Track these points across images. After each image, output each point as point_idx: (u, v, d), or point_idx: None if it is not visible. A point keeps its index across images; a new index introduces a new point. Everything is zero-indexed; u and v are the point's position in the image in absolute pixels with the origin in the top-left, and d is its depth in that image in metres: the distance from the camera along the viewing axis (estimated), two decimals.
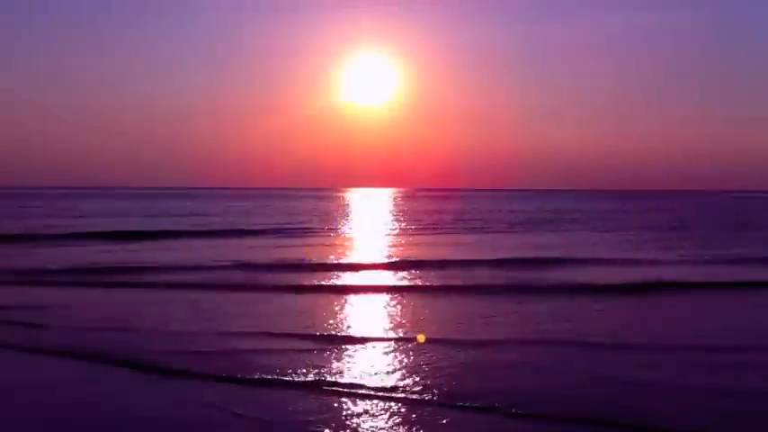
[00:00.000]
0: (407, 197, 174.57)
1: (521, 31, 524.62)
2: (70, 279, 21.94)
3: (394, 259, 28.32)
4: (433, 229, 50.10)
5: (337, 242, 37.88)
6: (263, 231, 45.11)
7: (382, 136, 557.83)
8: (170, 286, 20.49)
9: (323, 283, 21.49)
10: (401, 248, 33.67)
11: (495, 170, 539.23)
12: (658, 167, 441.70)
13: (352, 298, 18.97)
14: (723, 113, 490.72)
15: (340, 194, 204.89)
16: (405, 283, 21.69)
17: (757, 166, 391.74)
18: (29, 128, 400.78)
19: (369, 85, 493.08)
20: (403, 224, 55.83)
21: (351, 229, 49.67)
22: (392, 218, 66.83)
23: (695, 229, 49.68)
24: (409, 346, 12.93)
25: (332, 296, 19.07)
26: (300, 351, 12.37)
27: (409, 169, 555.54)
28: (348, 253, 31.86)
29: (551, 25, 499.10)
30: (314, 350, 12.48)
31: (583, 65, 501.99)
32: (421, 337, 14.43)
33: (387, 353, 12.41)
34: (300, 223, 54.95)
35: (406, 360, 11.84)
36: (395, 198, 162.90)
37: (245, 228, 48.15)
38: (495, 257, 28.23)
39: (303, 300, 18.56)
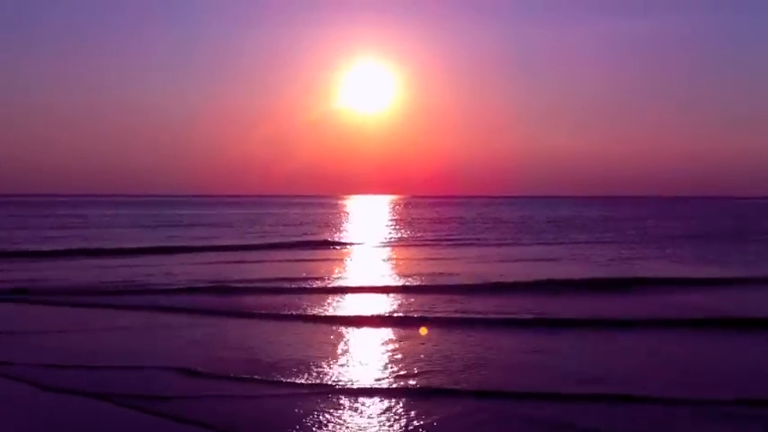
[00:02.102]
0: (411, 205, 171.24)
1: (519, 37, 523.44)
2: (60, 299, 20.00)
3: (452, 281, 24.21)
4: (466, 240, 46.58)
5: (368, 258, 34.44)
6: (284, 245, 41.81)
7: (380, 142, 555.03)
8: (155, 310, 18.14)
9: (357, 311, 17.69)
10: (447, 264, 29.90)
11: (491, 177, 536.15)
12: (655, 173, 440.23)
13: (381, 332, 15.21)
14: (717, 118, 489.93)
15: (341, 202, 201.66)
16: (455, 311, 17.80)
17: (752, 171, 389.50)
18: (23, 132, 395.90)
19: (367, 91, 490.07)
20: (430, 234, 52.14)
21: (377, 242, 46.18)
22: (414, 228, 63.31)
23: (748, 238, 46.55)
24: (429, 400, 10.07)
25: (354, 327, 15.90)
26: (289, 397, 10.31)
27: (407, 176, 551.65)
28: (386, 271, 28.22)
29: (548, 31, 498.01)
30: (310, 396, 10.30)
31: (581, 70, 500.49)
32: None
33: (396, 405, 9.84)
34: (314, 235, 51.76)
35: (416, 418, 9.21)
36: (397, 206, 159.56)
37: (270, 241, 44.87)
38: (563, 277, 24.72)
39: (337, 331, 15.04)
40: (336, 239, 46.41)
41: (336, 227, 64.16)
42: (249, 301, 19.60)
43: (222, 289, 21.79)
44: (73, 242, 40.92)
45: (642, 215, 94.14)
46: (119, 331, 15.47)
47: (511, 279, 23.88)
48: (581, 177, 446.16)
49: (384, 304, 19.14)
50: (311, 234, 51.76)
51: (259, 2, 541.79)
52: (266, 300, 19.77)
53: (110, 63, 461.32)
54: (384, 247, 41.18)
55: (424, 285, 22.75)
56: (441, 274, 26.10)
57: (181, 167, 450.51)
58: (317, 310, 17.91)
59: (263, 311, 17.76)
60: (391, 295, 20.82)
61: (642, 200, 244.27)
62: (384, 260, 32.83)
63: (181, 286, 22.36)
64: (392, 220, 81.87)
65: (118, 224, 64.69)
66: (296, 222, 71.35)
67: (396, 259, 33.50)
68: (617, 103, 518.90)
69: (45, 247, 36.86)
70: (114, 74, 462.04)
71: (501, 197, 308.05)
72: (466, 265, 29.54)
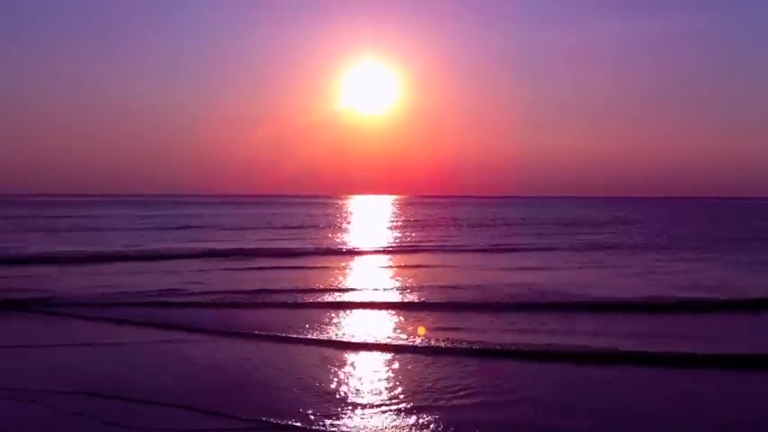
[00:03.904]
0: (417, 205, 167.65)
1: (522, 38, 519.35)
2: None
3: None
4: (514, 245, 42.75)
5: (409, 266, 30.68)
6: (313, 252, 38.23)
7: (383, 143, 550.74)
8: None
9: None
10: (511, 275, 26.24)
11: (493, 177, 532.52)
12: (657, 174, 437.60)
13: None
14: (720, 121, 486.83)
15: (344, 202, 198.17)
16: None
17: (755, 172, 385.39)
18: (18, 132, 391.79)
19: (370, 92, 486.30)
20: (470, 239, 48.12)
21: (414, 248, 42.48)
22: (444, 229, 59.66)
23: None
24: None
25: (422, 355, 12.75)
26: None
27: (410, 176, 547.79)
28: (434, 288, 24.11)
29: (552, 32, 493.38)
30: None
31: (585, 71, 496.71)
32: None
33: None
34: (330, 239, 48.33)
35: None
36: (404, 206, 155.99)
37: (288, 246, 41.30)
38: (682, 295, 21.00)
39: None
40: (356, 246, 42.50)
41: (350, 230, 60.71)
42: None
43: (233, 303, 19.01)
44: (101, 245, 37.82)
45: (669, 217, 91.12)
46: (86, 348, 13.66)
47: (597, 295, 20.21)
48: (584, 178, 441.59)
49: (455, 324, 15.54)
50: (327, 238, 48.37)
51: (261, 2, 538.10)
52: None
53: (107, 63, 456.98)
54: (418, 252, 37.67)
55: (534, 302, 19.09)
56: (519, 284, 22.43)
57: (182, 168, 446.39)
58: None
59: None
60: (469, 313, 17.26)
61: (647, 201, 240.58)
62: (429, 269, 29.17)
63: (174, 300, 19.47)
64: (409, 221, 78.34)
65: (140, 226, 60.92)
66: (306, 224, 67.68)
67: (450, 267, 29.84)
68: (621, 105, 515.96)
69: (77, 251, 33.81)
70: (111, 74, 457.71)
71: (501, 197, 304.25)
72: (532, 276, 25.83)
